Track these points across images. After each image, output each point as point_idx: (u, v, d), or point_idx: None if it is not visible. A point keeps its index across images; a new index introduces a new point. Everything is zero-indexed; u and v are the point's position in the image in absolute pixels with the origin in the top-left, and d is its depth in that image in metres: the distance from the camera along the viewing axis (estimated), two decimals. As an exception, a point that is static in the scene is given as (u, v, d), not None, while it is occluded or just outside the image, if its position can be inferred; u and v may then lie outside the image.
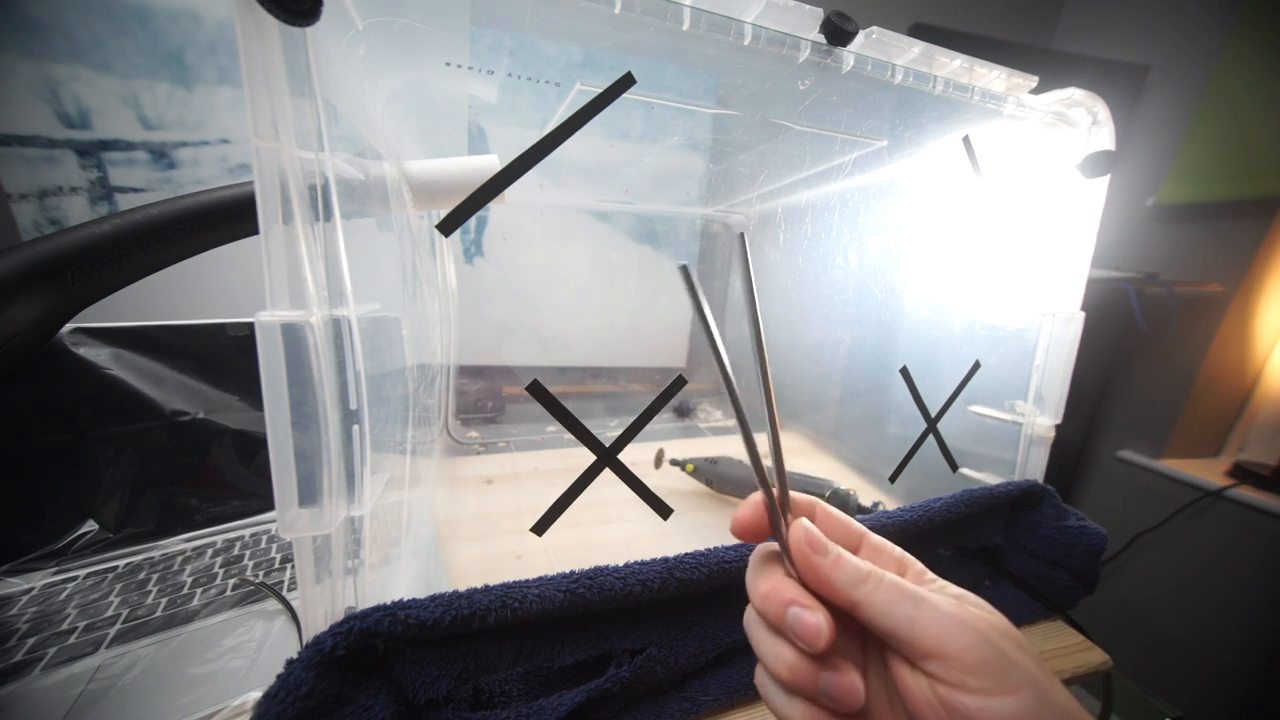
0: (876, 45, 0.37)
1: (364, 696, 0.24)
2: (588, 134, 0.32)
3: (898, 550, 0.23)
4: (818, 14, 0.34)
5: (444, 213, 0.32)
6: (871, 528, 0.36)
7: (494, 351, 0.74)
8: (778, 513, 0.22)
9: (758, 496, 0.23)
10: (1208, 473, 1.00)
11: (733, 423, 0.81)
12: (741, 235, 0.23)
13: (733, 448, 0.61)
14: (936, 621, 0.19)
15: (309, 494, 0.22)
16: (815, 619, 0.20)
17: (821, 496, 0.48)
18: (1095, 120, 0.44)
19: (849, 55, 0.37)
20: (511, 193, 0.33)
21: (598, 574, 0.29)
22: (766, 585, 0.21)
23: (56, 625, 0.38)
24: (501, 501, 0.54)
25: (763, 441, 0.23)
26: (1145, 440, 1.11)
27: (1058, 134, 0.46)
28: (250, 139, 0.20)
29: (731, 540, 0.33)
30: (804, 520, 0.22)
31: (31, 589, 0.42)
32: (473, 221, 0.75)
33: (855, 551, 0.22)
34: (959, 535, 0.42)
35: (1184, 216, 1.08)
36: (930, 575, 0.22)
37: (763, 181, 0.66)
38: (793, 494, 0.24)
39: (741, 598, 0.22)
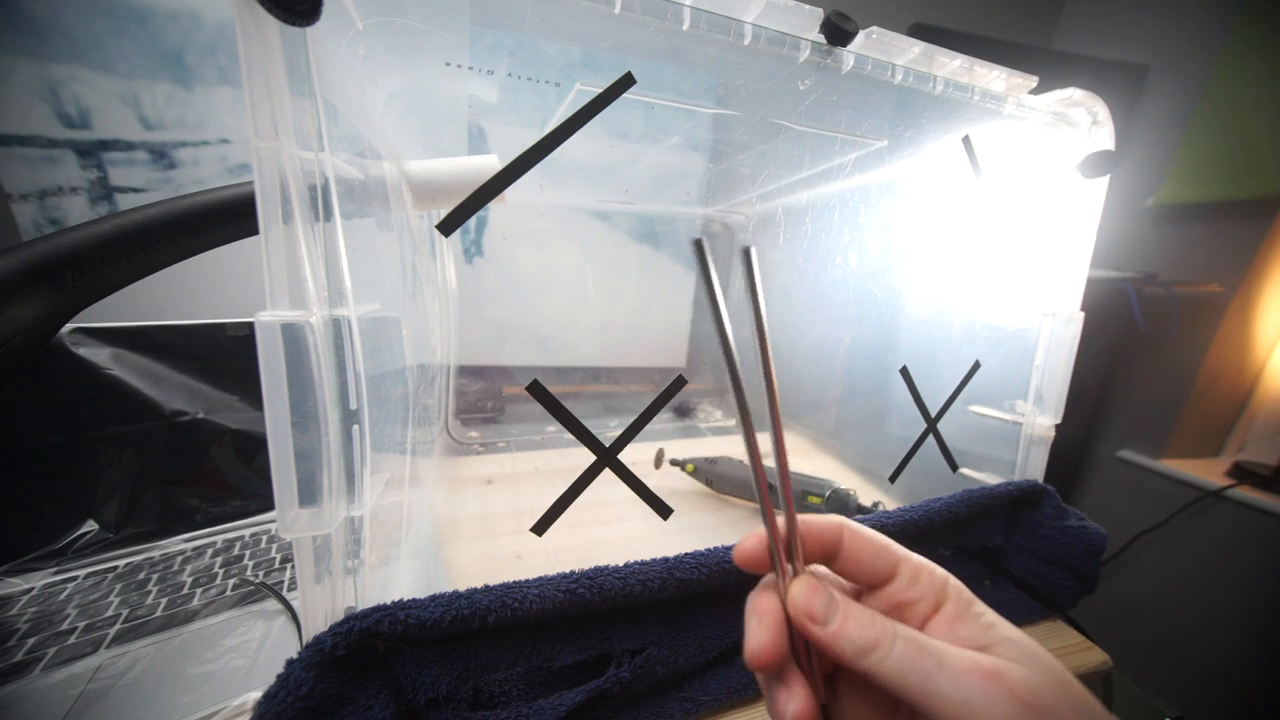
0: (876, 45, 0.37)
1: (364, 696, 0.24)
2: (588, 134, 0.32)
3: (940, 572, 0.20)
4: (818, 14, 0.34)
5: (444, 213, 0.32)
6: (871, 528, 0.37)
7: (494, 351, 0.74)
8: (779, 561, 0.19)
9: (758, 534, 0.20)
10: (1208, 473, 1.00)
11: (733, 422, 0.81)
12: (746, 250, 0.19)
13: (733, 448, 0.61)
14: (957, 689, 0.16)
15: (309, 494, 0.22)
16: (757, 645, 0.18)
17: (821, 497, 0.48)
18: (1095, 120, 0.44)
19: (849, 55, 0.37)
20: (511, 193, 0.33)
21: (598, 574, 0.29)
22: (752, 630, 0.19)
23: (56, 625, 0.38)
24: (501, 501, 0.54)
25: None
26: (1145, 440, 1.11)
27: (1058, 134, 0.46)
28: (250, 139, 0.20)
29: (732, 540, 0.33)
30: (806, 578, 0.19)
31: (31, 589, 0.42)
32: (473, 221, 0.75)
33: (889, 579, 0.20)
34: (959, 535, 0.42)
35: (1184, 216, 1.08)
36: (979, 609, 0.19)
37: (763, 181, 0.66)
38: (813, 518, 0.20)
39: (742, 597, 0.22)
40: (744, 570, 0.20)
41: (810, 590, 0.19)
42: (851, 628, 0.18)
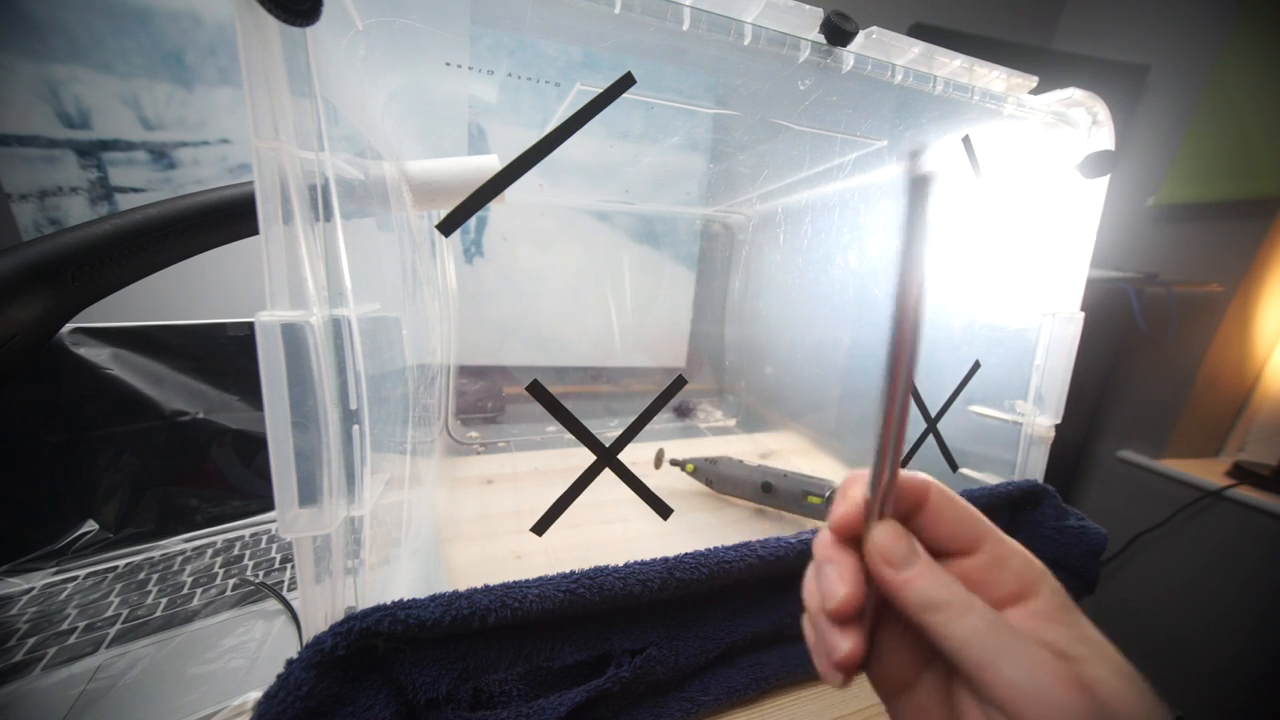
0: (876, 45, 0.37)
1: (364, 696, 0.24)
2: (588, 134, 0.32)
3: (1038, 565, 0.18)
4: (818, 14, 0.34)
5: (444, 213, 0.32)
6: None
7: (494, 351, 0.74)
8: (873, 511, 0.19)
9: (856, 491, 0.19)
10: (1208, 473, 1.00)
11: (733, 422, 0.82)
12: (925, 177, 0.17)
13: (733, 447, 0.61)
14: (1019, 681, 0.15)
15: (309, 494, 0.22)
16: (839, 592, 0.18)
17: (821, 497, 0.48)
18: (1095, 120, 0.44)
19: (849, 55, 0.37)
20: (511, 193, 0.33)
21: (598, 574, 0.29)
22: (823, 537, 0.19)
23: (56, 625, 0.38)
24: (501, 501, 0.54)
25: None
26: (1145, 440, 1.11)
27: (1058, 134, 0.46)
28: (250, 139, 0.20)
29: (732, 540, 0.33)
30: (891, 523, 0.19)
31: (31, 589, 0.42)
32: (473, 221, 0.75)
33: (969, 552, 0.19)
34: (959, 535, 0.42)
35: (1184, 216, 1.08)
36: (1078, 618, 0.17)
37: (763, 181, 0.66)
38: (905, 474, 0.19)
39: (742, 597, 0.22)
40: (838, 535, 0.19)
41: (894, 535, 0.18)
42: (926, 581, 0.17)
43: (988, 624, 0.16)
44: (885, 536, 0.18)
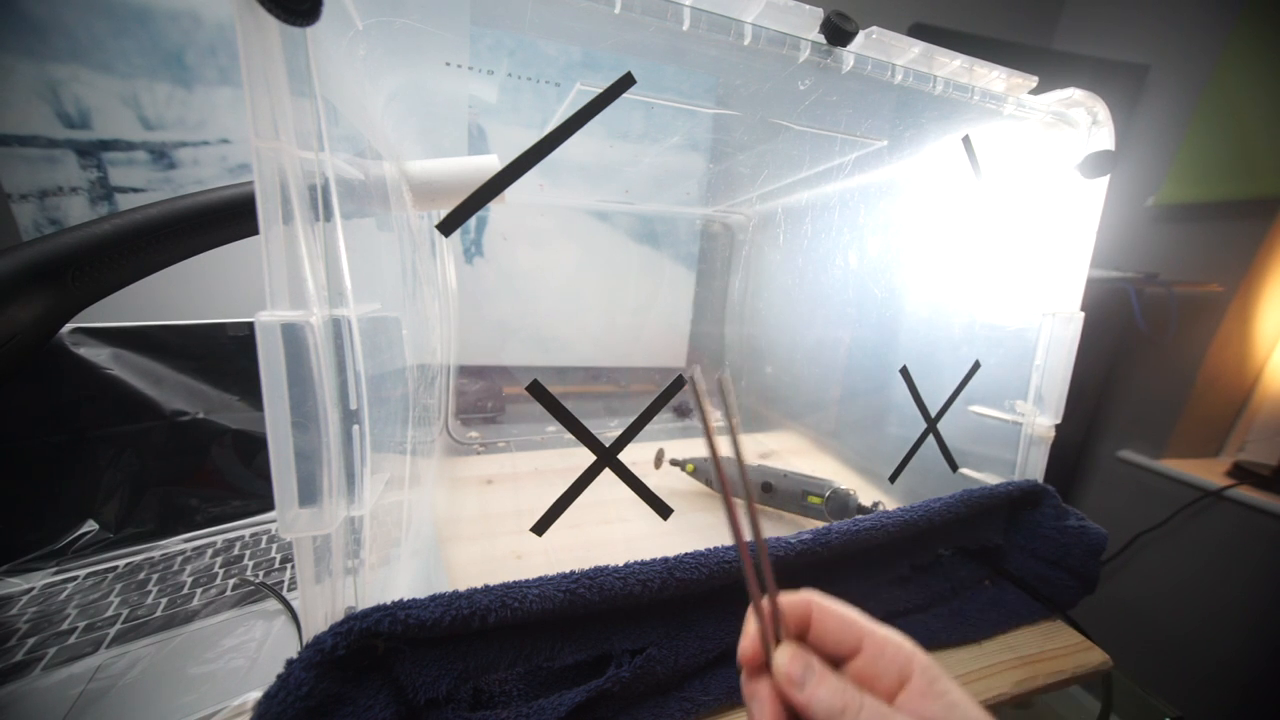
0: (876, 45, 0.37)
1: (364, 696, 0.24)
2: (588, 134, 0.32)
3: (907, 648, 0.20)
4: (818, 14, 0.34)
5: (444, 213, 0.32)
6: (871, 527, 0.37)
7: (494, 351, 0.74)
8: (769, 643, 0.21)
9: (752, 626, 0.22)
10: (1208, 473, 1.00)
11: (733, 422, 0.81)
12: (721, 379, 0.21)
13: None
14: None
15: (309, 494, 0.22)
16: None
17: (821, 497, 0.48)
18: (1095, 120, 0.44)
19: (849, 55, 0.37)
20: (511, 193, 0.33)
21: (598, 574, 0.29)
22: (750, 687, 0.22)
23: (56, 625, 0.38)
24: (501, 501, 0.54)
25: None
26: (1145, 440, 1.11)
27: (1057, 134, 0.46)
28: (250, 139, 0.20)
29: (731, 540, 0.33)
30: (789, 645, 0.21)
31: (31, 589, 0.42)
32: (473, 221, 0.75)
33: (855, 652, 0.21)
34: (959, 535, 0.42)
35: (1184, 216, 1.08)
36: (944, 686, 0.19)
37: (763, 181, 0.66)
38: (786, 598, 0.22)
39: (742, 596, 0.22)
40: (748, 668, 0.22)
41: (791, 656, 0.20)
42: (823, 692, 0.19)
43: (878, 716, 0.18)
44: (785, 660, 0.20)
